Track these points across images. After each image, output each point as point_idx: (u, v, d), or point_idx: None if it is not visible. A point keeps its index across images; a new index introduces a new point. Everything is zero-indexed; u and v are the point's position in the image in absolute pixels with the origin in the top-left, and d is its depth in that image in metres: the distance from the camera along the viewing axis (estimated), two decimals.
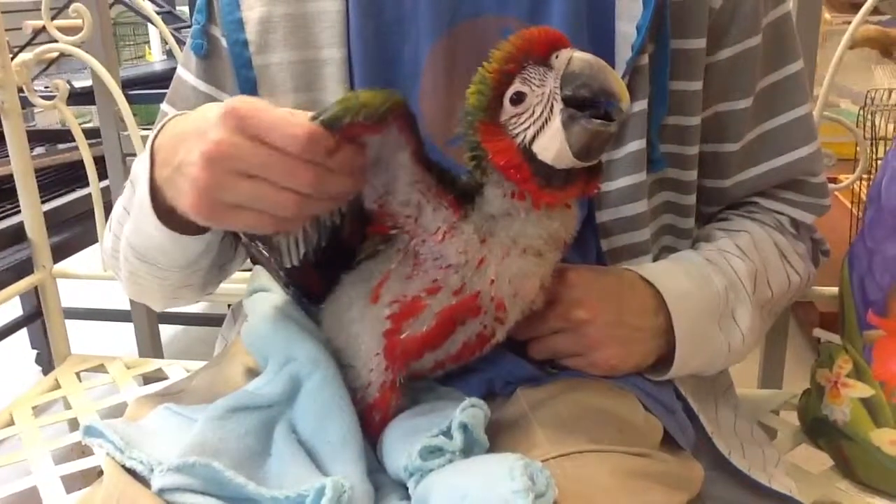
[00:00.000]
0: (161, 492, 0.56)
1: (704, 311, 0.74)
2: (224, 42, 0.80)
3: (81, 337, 2.18)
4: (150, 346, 1.41)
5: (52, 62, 1.58)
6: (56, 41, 1.19)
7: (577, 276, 0.70)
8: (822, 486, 0.91)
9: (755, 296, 0.78)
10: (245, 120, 0.54)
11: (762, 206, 0.86)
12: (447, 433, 0.57)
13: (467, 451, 0.57)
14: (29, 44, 1.39)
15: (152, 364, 1.25)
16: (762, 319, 0.82)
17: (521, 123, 0.58)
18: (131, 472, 0.59)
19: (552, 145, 0.57)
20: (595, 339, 0.69)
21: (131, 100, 1.68)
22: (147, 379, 1.26)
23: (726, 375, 0.90)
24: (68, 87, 1.19)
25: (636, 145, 0.74)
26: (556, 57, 0.57)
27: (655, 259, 0.79)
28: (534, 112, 0.57)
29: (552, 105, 0.57)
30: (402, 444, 0.60)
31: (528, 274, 0.62)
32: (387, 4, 0.76)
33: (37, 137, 2.08)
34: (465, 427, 0.57)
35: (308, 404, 0.63)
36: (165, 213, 0.64)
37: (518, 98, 0.58)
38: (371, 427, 0.65)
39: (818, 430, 0.94)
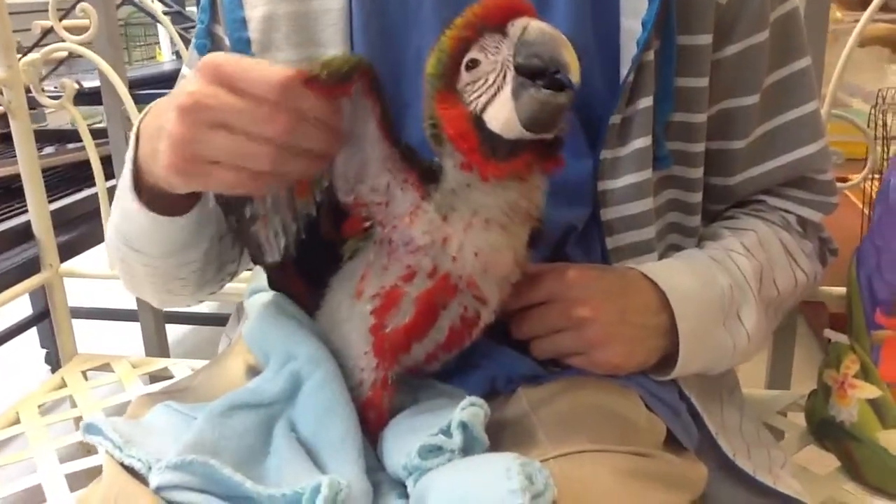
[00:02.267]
0: (159, 489, 0.56)
1: (708, 310, 0.73)
2: (227, 41, 0.80)
3: (89, 336, 2.19)
4: (157, 345, 1.41)
5: (61, 62, 1.59)
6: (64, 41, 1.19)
7: (579, 275, 0.69)
8: (828, 487, 0.90)
9: (761, 294, 0.78)
10: (219, 68, 0.54)
11: (769, 205, 0.85)
12: (447, 432, 0.57)
13: (467, 450, 0.57)
14: (38, 44, 1.40)
15: (158, 363, 1.25)
16: (768, 318, 0.81)
17: (475, 91, 0.57)
18: (130, 469, 0.59)
19: (501, 114, 0.56)
20: (597, 337, 0.68)
21: (140, 100, 1.68)
22: (153, 378, 1.26)
23: (732, 376, 0.89)
24: (76, 86, 1.19)
25: (641, 142, 0.73)
26: (513, 25, 0.56)
27: (661, 257, 0.79)
28: (487, 80, 0.57)
29: (505, 73, 0.56)
30: (402, 443, 0.59)
31: (495, 247, 0.61)
32: (390, 2, 0.76)
33: (48, 137, 2.09)
34: (464, 426, 0.57)
35: (308, 403, 0.63)
36: (151, 196, 0.65)
37: (473, 65, 0.57)
38: (369, 425, 0.64)
39: (825, 431, 0.94)
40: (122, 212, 0.69)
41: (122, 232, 0.71)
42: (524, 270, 0.66)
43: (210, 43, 0.82)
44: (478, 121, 0.57)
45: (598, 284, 0.70)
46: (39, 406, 1.14)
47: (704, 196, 0.81)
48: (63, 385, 1.20)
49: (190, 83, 0.55)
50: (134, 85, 1.82)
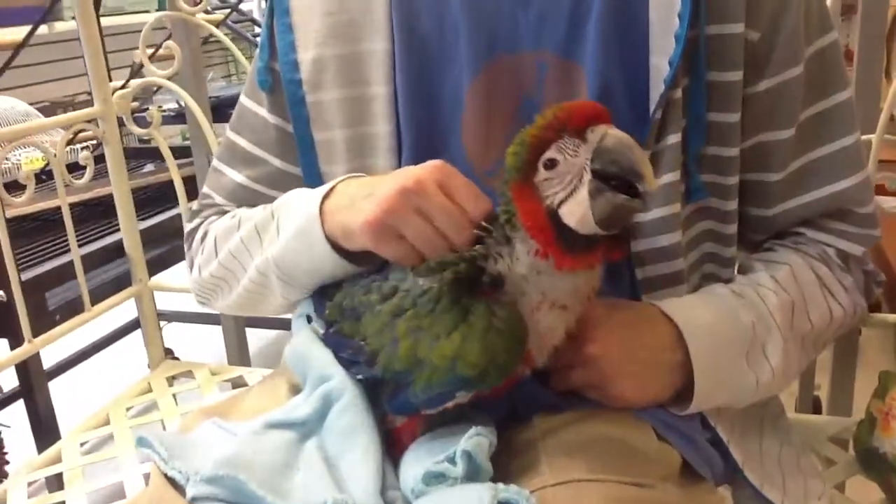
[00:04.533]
0: (194, 500, 0.63)
1: (727, 346, 0.74)
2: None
3: (188, 338, 2.32)
4: (237, 351, 1.51)
5: (159, 88, 1.71)
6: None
7: (590, 312, 0.71)
8: None
9: (792, 329, 0.78)
10: (448, 174, 0.67)
11: (808, 237, 0.85)
12: (452, 460, 0.61)
13: (471, 477, 0.61)
14: (135, 75, 1.52)
15: (235, 371, 1.34)
16: (804, 351, 0.81)
17: (552, 188, 0.62)
18: (172, 480, 0.66)
19: (577, 212, 0.61)
20: (608, 373, 0.71)
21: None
22: (234, 385, 1.35)
23: (776, 403, 0.89)
24: (161, 114, 1.30)
25: (670, 177, 0.75)
26: (592, 131, 0.61)
27: (697, 287, 0.80)
28: (564, 179, 0.62)
29: (582, 175, 0.61)
30: (415, 467, 0.64)
31: (553, 327, 0.66)
32: (429, 43, 0.80)
33: (151, 155, 2.25)
34: (468, 455, 0.61)
35: (335, 423, 0.68)
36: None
37: (551, 164, 0.62)
38: (398, 447, 0.69)
39: (869, 461, 0.93)
40: (302, 252, 0.76)
41: (281, 266, 0.78)
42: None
43: (271, 79, 0.88)
44: (553, 215, 0.62)
45: (608, 321, 0.72)
46: (127, 409, 1.25)
47: (744, 226, 0.82)
48: (149, 390, 1.31)
49: (420, 171, 0.67)
50: (229, 103, 1.95)
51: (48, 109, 3.31)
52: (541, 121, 0.63)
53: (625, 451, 0.67)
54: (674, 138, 0.74)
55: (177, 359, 2.41)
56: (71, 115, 1.20)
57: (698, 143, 0.76)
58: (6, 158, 1.77)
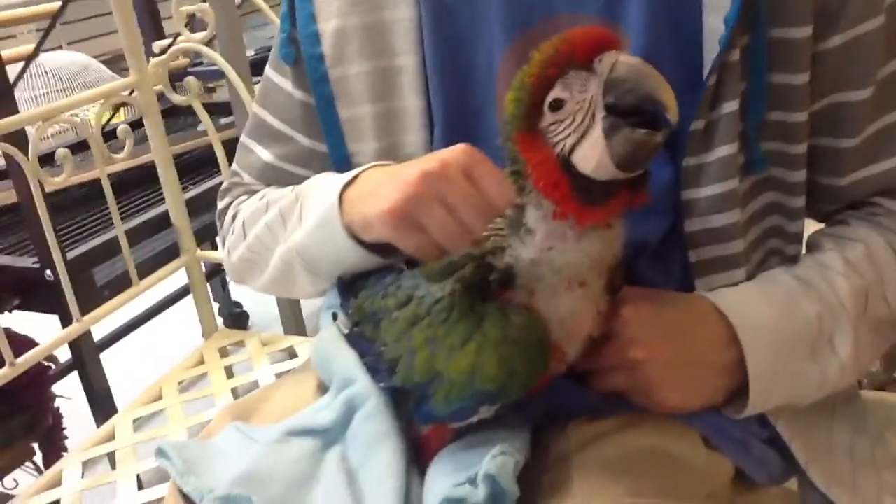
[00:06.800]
0: None
1: (788, 342, 0.67)
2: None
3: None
4: (292, 317, 1.50)
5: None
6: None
7: (634, 312, 0.65)
8: None
9: (866, 316, 0.70)
10: (476, 159, 0.64)
11: (886, 208, 0.75)
12: (474, 481, 0.57)
13: (497, 499, 0.56)
14: (174, 42, 1.48)
15: (285, 342, 1.32)
16: (879, 337, 0.73)
17: (561, 132, 0.54)
18: (187, 497, 0.64)
19: (592, 155, 0.53)
20: (654, 379, 0.65)
21: None
22: (288, 355, 1.32)
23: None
24: (204, 68, 1.26)
25: (726, 150, 0.67)
26: (600, 61, 0.53)
27: (761, 264, 0.73)
28: (574, 119, 0.54)
29: (594, 113, 0.53)
30: (439, 483, 0.60)
31: (579, 311, 0.59)
32: (459, 10, 0.74)
33: (209, 110, 2.23)
34: (492, 478, 0.56)
35: (359, 432, 0.65)
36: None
37: (557, 105, 0.54)
38: (427, 454, 0.65)
39: None
40: (324, 243, 0.73)
41: (304, 255, 0.76)
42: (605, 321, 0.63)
43: (294, 51, 0.82)
44: (566, 163, 0.54)
45: (655, 322, 0.66)
46: (179, 383, 1.25)
47: (812, 196, 0.74)
48: (201, 361, 1.30)
49: (446, 154, 0.64)
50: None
51: (111, 62, 3.33)
52: (540, 56, 0.54)
53: (668, 466, 0.62)
54: (731, 106, 0.67)
55: (245, 313, 2.45)
56: (104, 88, 1.17)
57: (759, 109, 0.68)
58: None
